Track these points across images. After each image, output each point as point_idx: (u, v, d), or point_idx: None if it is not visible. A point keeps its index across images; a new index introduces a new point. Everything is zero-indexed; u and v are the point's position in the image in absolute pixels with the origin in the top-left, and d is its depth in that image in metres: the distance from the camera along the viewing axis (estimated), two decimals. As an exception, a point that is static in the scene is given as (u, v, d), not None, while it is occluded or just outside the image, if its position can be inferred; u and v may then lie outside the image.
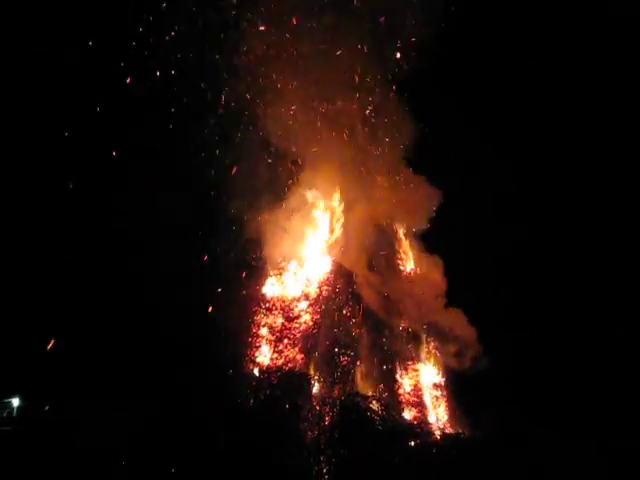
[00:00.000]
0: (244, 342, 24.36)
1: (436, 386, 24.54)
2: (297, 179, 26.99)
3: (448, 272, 26.99)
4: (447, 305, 25.96)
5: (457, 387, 24.69)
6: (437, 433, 23.13)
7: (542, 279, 30.66)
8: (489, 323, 26.46)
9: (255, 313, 25.12)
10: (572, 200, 31.65)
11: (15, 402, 24.03)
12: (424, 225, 27.31)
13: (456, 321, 25.31)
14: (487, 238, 29.69)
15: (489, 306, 27.52)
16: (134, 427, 21.54)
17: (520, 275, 30.70)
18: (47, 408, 23.18)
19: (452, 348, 24.98)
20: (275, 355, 24.00)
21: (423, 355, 24.87)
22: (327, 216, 27.42)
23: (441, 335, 25.24)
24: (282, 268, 26.33)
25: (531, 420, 23.05)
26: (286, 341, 24.22)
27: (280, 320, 24.87)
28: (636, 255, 30.05)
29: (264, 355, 24.12)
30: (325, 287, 25.27)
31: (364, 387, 23.40)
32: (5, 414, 23.94)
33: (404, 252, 27.37)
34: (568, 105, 31.21)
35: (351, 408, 22.16)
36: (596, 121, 31.52)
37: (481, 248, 29.86)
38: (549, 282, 30.55)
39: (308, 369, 23.41)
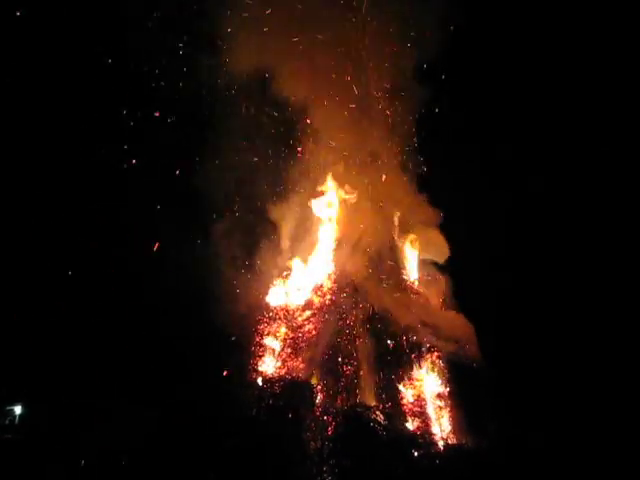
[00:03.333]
0: (247, 351, 24.33)
1: (439, 396, 24.35)
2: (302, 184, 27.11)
3: (452, 279, 27.15)
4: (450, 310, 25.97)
5: (461, 397, 24.51)
6: (441, 444, 22.96)
7: (548, 285, 30.50)
8: (493, 332, 26.44)
9: (258, 322, 25.10)
10: (573, 203, 31.53)
11: (17, 410, 23.99)
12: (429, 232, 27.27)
13: (459, 327, 25.25)
14: (491, 242, 29.69)
15: (493, 315, 27.49)
16: (136, 436, 21.53)
17: (526, 282, 30.53)
18: (49, 416, 23.10)
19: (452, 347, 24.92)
20: (278, 364, 23.98)
21: (426, 365, 24.73)
22: (331, 224, 27.45)
23: (443, 340, 25.17)
24: (286, 277, 26.38)
25: (536, 430, 22.94)
26: (289, 350, 24.19)
27: (283, 329, 24.88)
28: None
29: (267, 364, 24.08)
30: (329, 296, 25.28)
31: (367, 397, 23.25)
32: (7, 422, 23.89)
33: (407, 261, 27.30)
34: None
35: (354, 418, 22.12)
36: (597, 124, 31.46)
37: (485, 253, 29.81)
38: (555, 289, 30.38)
39: (311, 379, 23.36)
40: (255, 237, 25.99)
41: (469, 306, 26.26)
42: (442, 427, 23.79)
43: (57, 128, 27.10)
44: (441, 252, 26.74)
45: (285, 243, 26.59)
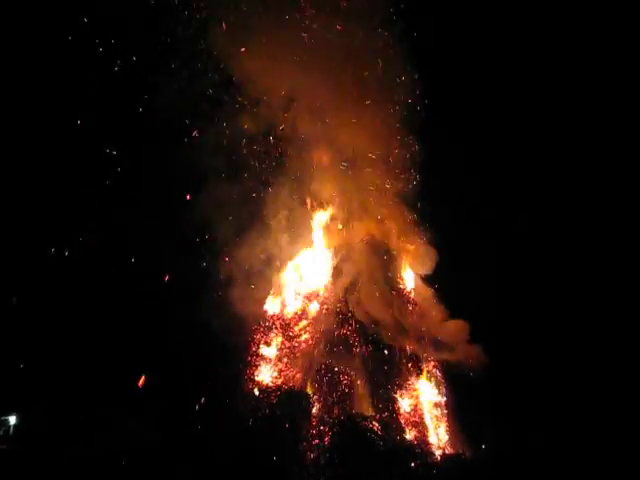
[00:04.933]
0: (244, 361, 24.30)
1: (436, 405, 24.39)
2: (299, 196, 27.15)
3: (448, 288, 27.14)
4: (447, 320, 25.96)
5: (458, 407, 24.54)
6: (438, 453, 22.96)
7: (544, 293, 30.43)
8: (490, 341, 26.40)
9: (255, 332, 25.07)
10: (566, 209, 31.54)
11: (12, 420, 23.83)
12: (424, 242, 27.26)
13: (455, 336, 25.25)
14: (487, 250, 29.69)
15: (490, 324, 27.42)
16: (132, 446, 21.46)
17: (523, 288, 30.44)
18: (45, 426, 22.97)
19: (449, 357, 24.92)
20: (275, 374, 23.95)
21: (423, 374, 24.73)
22: (327, 234, 27.47)
23: (442, 351, 25.17)
24: (282, 286, 26.36)
25: (534, 439, 22.90)
26: (286, 360, 24.19)
27: (280, 339, 24.85)
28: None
29: (264, 374, 24.06)
30: (325, 306, 25.27)
31: (364, 407, 23.25)
32: (2, 432, 23.72)
33: (404, 270, 27.33)
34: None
35: (351, 428, 22.08)
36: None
37: (481, 261, 29.77)
38: (551, 296, 30.32)
39: (308, 388, 23.36)
40: (251, 245, 25.83)
41: (466, 315, 26.20)
42: (439, 436, 23.80)
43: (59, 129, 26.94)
44: (427, 264, 26.72)
45: (281, 252, 26.51)
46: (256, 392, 23.20)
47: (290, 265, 26.87)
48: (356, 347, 24.21)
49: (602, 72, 30.83)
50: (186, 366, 23.80)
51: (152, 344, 24.38)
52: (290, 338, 24.77)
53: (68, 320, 25.55)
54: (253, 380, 23.82)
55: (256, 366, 24.22)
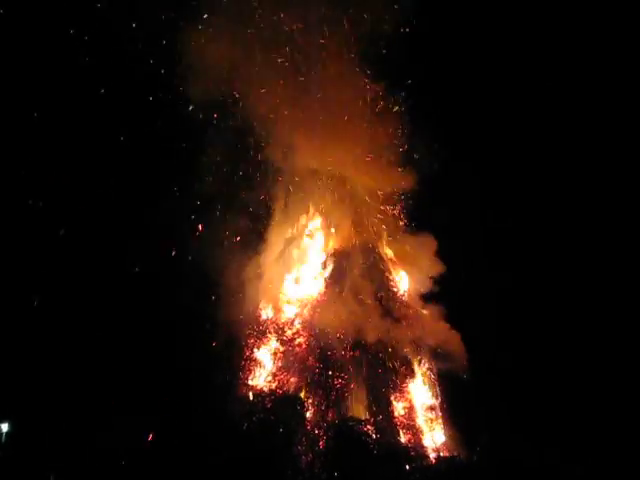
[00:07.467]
0: (238, 366, 24.24)
1: (431, 408, 24.41)
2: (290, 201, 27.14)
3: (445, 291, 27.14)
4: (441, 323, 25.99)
5: (452, 409, 24.57)
6: (432, 456, 22.97)
7: (539, 297, 30.49)
8: (484, 343, 26.46)
9: (249, 336, 25.02)
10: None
11: (4, 427, 23.66)
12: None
13: (450, 339, 25.29)
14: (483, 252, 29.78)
15: (484, 327, 27.50)
16: (127, 447, 21.41)
17: (519, 289, 30.47)
18: (37, 433, 22.84)
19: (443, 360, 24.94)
20: (269, 379, 23.92)
21: (417, 377, 24.75)
22: (321, 238, 27.49)
23: (434, 352, 25.20)
24: (276, 290, 26.34)
25: (528, 443, 22.92)
26: (280, 364, 24.17)
27: (274, 343, 24.84)
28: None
29: (258, 379, 24.02)
30: (318, 310, 25.26)
31: (358, 410, 23.22)
32: (-6, 440, 23.58)
33: (399, 274, 27.40)
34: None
35: (345, 432, 22.08)
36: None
37: (476, 262, 29.82)
38: (546, 300, 30.38)
39: (302, 393, 23.32)
40: (245, 249, 25.85)
41: (460, 319, 26.27)
42: (434, 439, 23.81)
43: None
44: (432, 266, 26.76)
45: (275, 256, 26.50)
46: (250, 396, 23.17)
47: (283, 269, 26.86)
48: (350, 351, 24.17)
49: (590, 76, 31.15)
50: (179, 371, 23.71)
51: (146, 349, 24.30)
52: (284, 342, 24.76)
53: (62, 323, 25.45)
54: (247, 384, 23.78)
55: (250, 370, 24.19)
